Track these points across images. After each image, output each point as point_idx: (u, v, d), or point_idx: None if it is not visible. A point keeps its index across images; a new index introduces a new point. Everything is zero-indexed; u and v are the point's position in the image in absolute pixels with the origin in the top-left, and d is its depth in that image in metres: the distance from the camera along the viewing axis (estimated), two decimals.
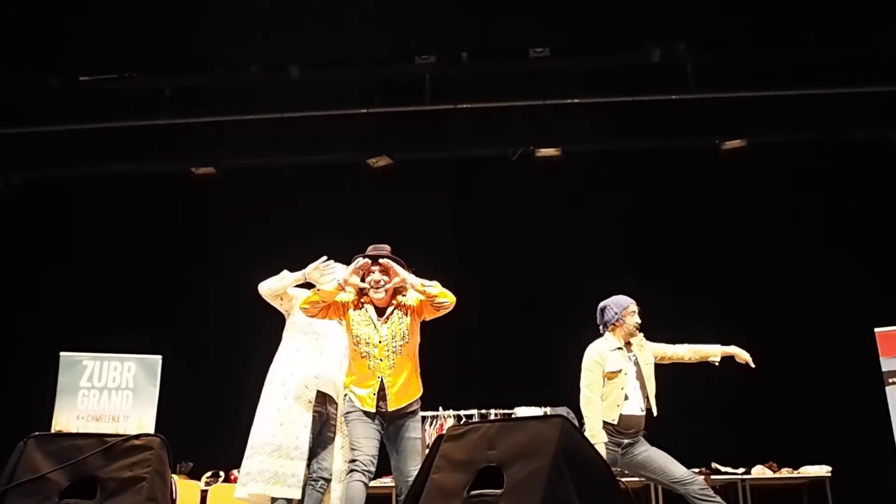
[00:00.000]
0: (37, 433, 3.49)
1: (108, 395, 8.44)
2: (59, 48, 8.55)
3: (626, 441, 5.32)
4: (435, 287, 4.80)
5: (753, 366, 5.53)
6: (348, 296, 4.89)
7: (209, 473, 8.40)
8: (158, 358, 8.55)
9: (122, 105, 9.22)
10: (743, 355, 5.56)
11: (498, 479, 3.04)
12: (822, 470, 7.95)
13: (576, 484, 3.02)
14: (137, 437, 3.44)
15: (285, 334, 5.28)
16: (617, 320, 5.50)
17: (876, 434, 7.83)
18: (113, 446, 3.37)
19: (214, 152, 9.49)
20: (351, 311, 4.86)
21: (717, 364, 5.63)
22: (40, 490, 3.31)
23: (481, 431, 3.23)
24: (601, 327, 5.60)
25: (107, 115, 9.21)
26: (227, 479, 8.11)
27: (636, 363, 5.49)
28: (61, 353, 8.46)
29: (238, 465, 5.08)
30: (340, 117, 9.09)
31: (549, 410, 7.70)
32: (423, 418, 7.70)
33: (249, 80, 9.22)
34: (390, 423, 4.79)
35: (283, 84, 9.06)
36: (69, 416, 8.29)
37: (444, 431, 3.53)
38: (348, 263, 4.94)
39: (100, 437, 3.43)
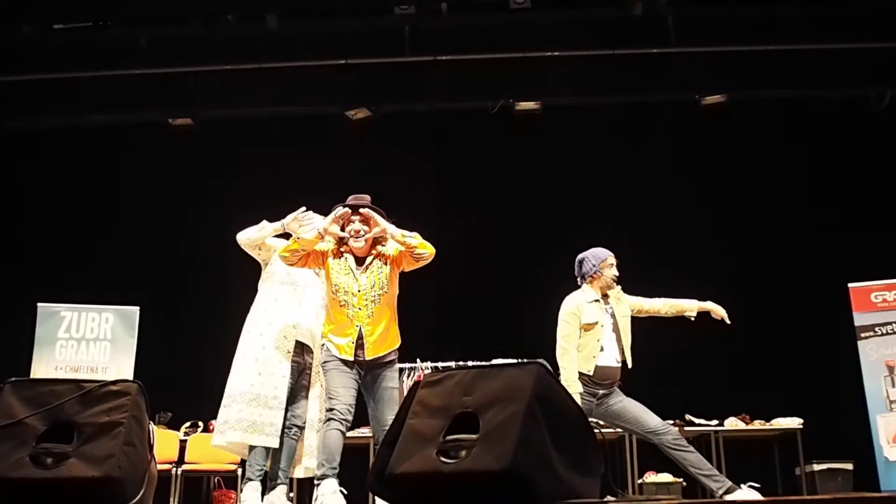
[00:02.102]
0: (13, 379, 3.49)
1: (86, 346, 8.42)
2: None
3: (601, 392, 5.38)
4: (415, 238, 4.82)
5: (729, 322, 5.58)
6: (328, 245, 4.90)
7: (188, 424, 8.43)
8: (136, 309, 8.53)
9: (97, 54, 9.06)
10: (719, 311, 5.60)
11: (474, 425, 3.06)
12: (794, 422, 8.06)
13: (550, 430, 3.06)
14: (114, 382, 3.44)
15: (262, 285, 5.28)
16: (595, 272, 5.53)
17: (847, 388, 7.95)
18: (90, 392, 3.37)
19: (191, 103, 9.36)
20: (330, 260, 4.87)
21: (693, 319, 5.67)
22: (17, 435, 3.30)
23: (457, 378, 3.25)
24: (579, 279, 5.63)
25: (81, 65, 9.05)
26: (205, 430, 8.15)
27: (613, 315, 5.54)
28: (38, 304, 8.41)
29: (216, 416, 5.09)
30: (318, 68, 8.98)
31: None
32: (401, 370, 7.73)
33: (226, 30, 9.08)
34: (368, 373, 4.83)
35: (260, 34, 8.94)
36: (47, 367, 8.27)
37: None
38: (327, 215, 4.94)
39: (77, 382, 3.43)
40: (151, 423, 3.60)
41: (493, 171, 9.43)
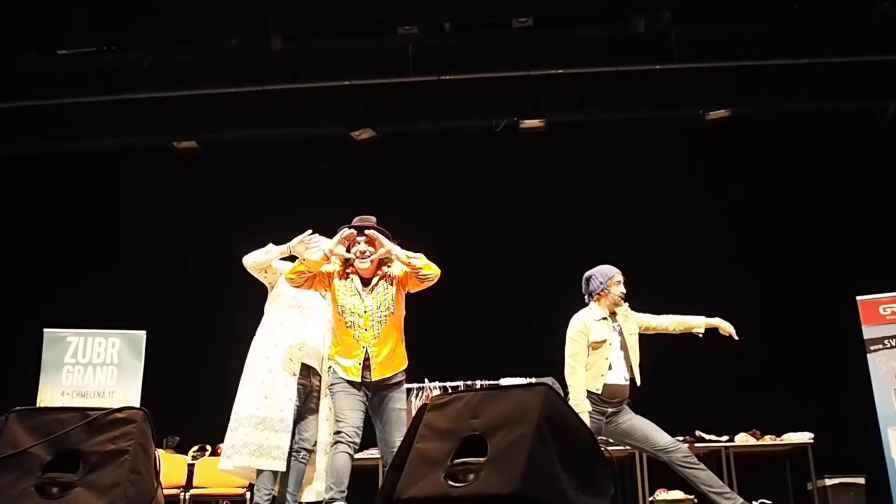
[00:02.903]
0: (18, 408, 3.47)
1: (92, 370, 8.41)
2: (37, 21, 8.42)
3: (610, 410, 5.35)
4: (420, 259, 4.82)
5: (737, 338, 5.56)
6: (334, 266, 4.89)
7: (195, 447, 8.40)
8: (143, 333, 8.52)
9: (102, 79, 9.09)
10: (727, 327, 5.58)
11: (481, 448, 3.04)
12: (805, 437, 8.03)
13: (559, 452, 3.03)
14: (120, 410, 3.42)
15: (268, 307, 5.28)
16: (602, 290, 5.51)
17: (857, 401, 7.89)
18: (95, 420, 3.35)
19: (196, 126, 9.40)
20: (336, 281, 4.88)
21: (700, 335, 5.64)
22: (22, 465, 3.28)
23: (465, 400, 3.23)
24: (586, 297, 5.61)
25: (86, 90, 9.09)
26: (213, 453, 8.13)
27: (621, 333, 5.51)
28: (45, 330, 8.41)
29: (224, 440, 5.08)
30: (322, 89, 9.00)
31: (533, 380, 7.72)
32: (409, 390, 7.70)
33: (230, 53, 9.10)
34: (375, 394, 4.81)
35: (264, 56, 8.97)
36: (54, 393, 8.26)
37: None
38: (332, 236, 4.94)
39: (82, 410, 3.41)
40: (158, 449, 3.57)
41: (499, 190, 9.42)
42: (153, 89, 9.06)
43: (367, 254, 4.85)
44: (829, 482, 7.88)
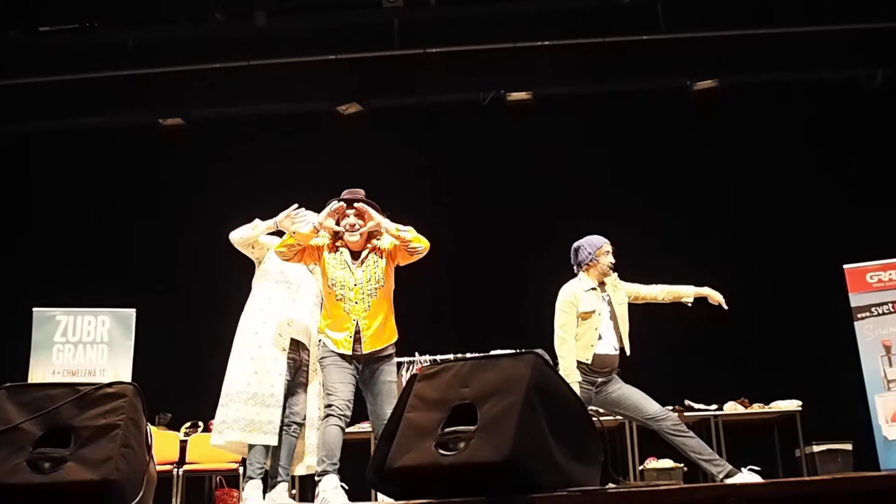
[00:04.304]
0: (8, 384, 3.46)
1: (83, 349, 8.39)
2: None
3: (599, 380, 5.38)
4: (409, 232, 4.82)
5: (726, 307, 5.59)
6: (323, 239, 4.89)
7: (188, 424, 8.42)
8: (132, 311, 8.50)
9: (85, 56, 9.01)
10: (716, 297, 5.60)
11: (471, 417, 3.05)
12: (793, 405, 8.10)
13: (549, 419, 3.04)
14: (110, 385, 3.41)
15: (255, 283, 5.28)
16: (591, 260, 5.52)
17: (844, 368, 7.96)
18: (85, 395, 3.34)
19: (182, 103, 9.33)
20: (326, 255, 4.88)
21: (689, 305, 5.67)
22: (13, 441, 3.27)
23: (454, 370, 3.23)
24: (575, 267, 5.63)
25: (69, 67, 9.00)
26: (205, 430, 8.14)
27: (610, 303, 5.53)
28: (34, 309, 8.37)
29: (216, 416, 5.09)
30: (308, 64, 8.95)
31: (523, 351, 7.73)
32: (400, 364, 7.73)
33: (214, 29, 9.02)
34: (366, 367, 4.83)
35: (249, 31, 8.90)
36: (44, 372, 8.24)
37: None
38: (320, 212, 4.93)
39: (72, 385, 3.40)
40: (149, 424, 3.57)
41: (487, 163, 9.41)
42: (138, 66, 8.98)
43: (357, 227, 4.85)
44: (816, 448, 7.97)
